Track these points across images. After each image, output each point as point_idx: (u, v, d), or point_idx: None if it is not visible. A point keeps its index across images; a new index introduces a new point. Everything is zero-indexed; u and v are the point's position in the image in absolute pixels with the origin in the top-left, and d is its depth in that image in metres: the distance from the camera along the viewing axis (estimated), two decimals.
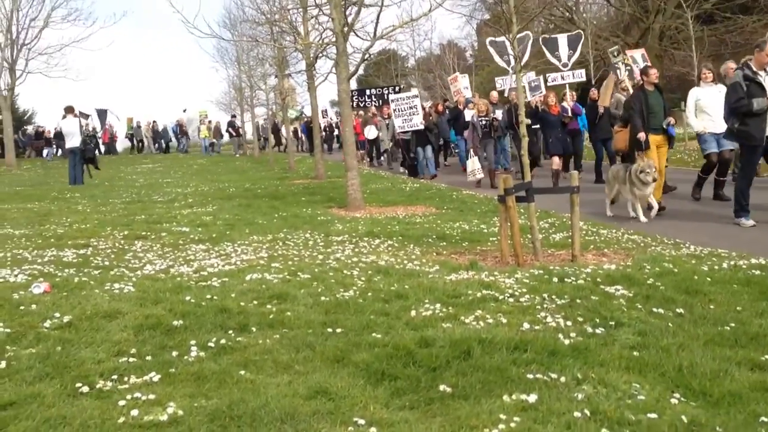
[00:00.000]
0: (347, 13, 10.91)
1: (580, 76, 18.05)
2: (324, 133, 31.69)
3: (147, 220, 10.05)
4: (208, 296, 5.04)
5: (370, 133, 23.14)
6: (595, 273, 5.50)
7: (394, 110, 17.25)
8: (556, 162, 13.47)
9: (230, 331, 4.23)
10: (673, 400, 3.08)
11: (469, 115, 16.46)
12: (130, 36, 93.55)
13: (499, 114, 15.21)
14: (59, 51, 29.91)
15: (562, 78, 17.58)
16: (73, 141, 17.88)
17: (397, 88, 23.32)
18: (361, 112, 24.76)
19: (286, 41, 17.33)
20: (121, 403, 3.15)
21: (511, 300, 4.77)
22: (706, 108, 10.57)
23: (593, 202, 10.33)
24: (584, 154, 16.54)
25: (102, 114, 40.92)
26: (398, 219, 9.69)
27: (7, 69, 29.93)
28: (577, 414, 2.89)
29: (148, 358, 3.76)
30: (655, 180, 8.92)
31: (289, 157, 23.09)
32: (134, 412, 3.03)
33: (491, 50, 16.14)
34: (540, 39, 18.14)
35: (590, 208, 9.94)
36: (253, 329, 4.27)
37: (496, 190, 10.23)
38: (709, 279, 5.22)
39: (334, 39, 11.43)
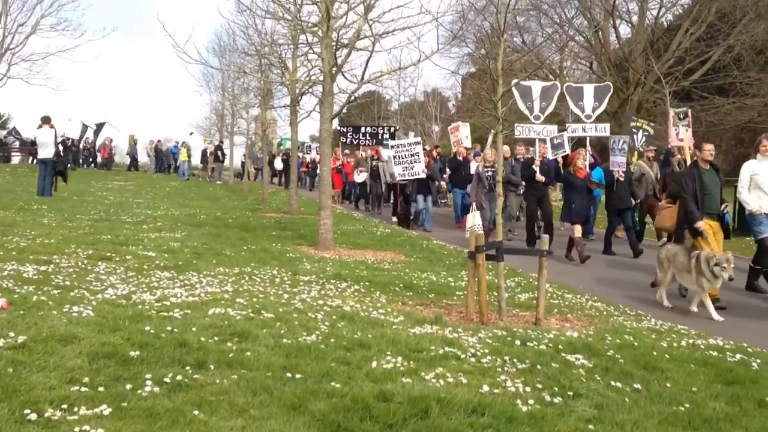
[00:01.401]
0: (337, 54, 11.03)
1: (604, 130, 16.03)
2: (308, 168, 31.67)
3: (113, 240, 9.92)
4: (169, 328, 4.97)
5: (360, 176, 22.49)
6: (557, 339, 5.53)
7: (395, 157, 16.24)
8: (578, 230, 11.97)
9: (188, 367, 4.17)
10: None
11: (474, 167, 15.79)
12: (117, 50, 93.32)
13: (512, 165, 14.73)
14: (44, 59, 29.75)
15: (584, 130, 16.04)
16: (46, 152, 17.68)
17: (392, 129, 22.65)
18: (360, 153, 24.23)
19: (273, 74, 17.44)
20: None
21: (472, 360, 4.77)
22: (763, 185, 9.13)
23: (581, 274, 10.31)
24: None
25: (99, 126, 40.77)
26: (367, 264, 9.68)
27: None
28: None
29: (101, 388, 3.68)
30: (732, 278, 7.70)
31: (263, 189, 23.04)
32: None
33: (515, 93, 14.31)
34: (564, 87, 16.44)
35: (579, 280, 9.73)
36: (212, 367, 4.21)
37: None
38: (667, 356, 5.28)
39: (321, 78, 11.55)
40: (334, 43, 10.98)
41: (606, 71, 31.26)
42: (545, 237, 6.77)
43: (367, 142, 22.00)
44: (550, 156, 14.44)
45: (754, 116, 26.68)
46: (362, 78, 11.27)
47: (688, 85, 27.80)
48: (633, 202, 13.56)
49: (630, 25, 31.12)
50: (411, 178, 16.12)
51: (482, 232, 12.38)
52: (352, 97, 12.54)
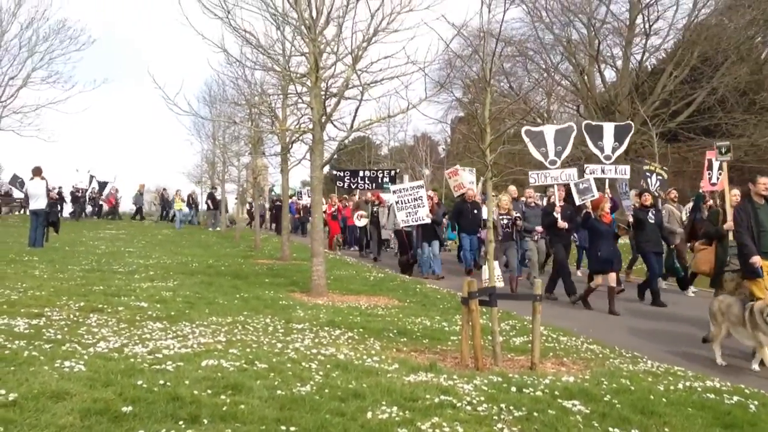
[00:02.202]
0: (326, 103, 11.16)
1: (624, 172, 14.99)
2: (300, 215, 31.63)
3: (105, 291, 9.86)
4: (161, 381, 4.92)
5: (360, 221, 21.38)
6: (553, 384, 5.50)
7: (397, 202, 15.43)
8: (612, 278, 11.21)
9: (181, 422, 4.12)
10: None
11: (485, 212, 14.62)
12: (108, 101, 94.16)
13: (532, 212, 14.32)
14: (34, 111, 29.93)
15: (603, 172, 14.90)
16: (38, 203, 17.67)
17: (392, 173, 21.94)
18: (356, 197, 23.48)
19: (263, 123, 17.59)
20: None
21: (468, 408, 4.73)
22: None
23: (579, 317, 10.23)
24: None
25: (102, 185, 41.26)
26: (360, 309, 9.65)
27: None
28: None
29: None
30: None
31: (255, 236, 23.01)
32: None
33: (526, 140, 13.88)
34: (583, 125, 15.21)
35: (575, 323, 9.59)
36: (205, 421, 4.16)
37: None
38: (664, 399, 5.26)
39: (311, 126, 11.66)
40: (323, 93, 11.12)
41: (593, 114, 31.73)
42: (538, 281, 6.78)
43: (366, 186, 21.37)
44: (577, 202, 13.56)
45: (741, 156, 27.01)
46: (351, 126, 11.39)
47: (674, 126, 28.20)
48: (664, 246, 12.95)
49: (615, 69, 31.70)
50: (415, 224, 15.53)
51: (502, 284, 11.53)
52: (342, 145, 12.62)
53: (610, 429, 4.47)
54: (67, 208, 38.57)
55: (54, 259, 14.45)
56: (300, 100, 13.71)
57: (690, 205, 14.62)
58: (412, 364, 6.04)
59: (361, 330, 7.86)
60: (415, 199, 15.32)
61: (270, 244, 23.78)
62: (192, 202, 37.79)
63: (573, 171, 14.49)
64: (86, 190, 40.16)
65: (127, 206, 44.87)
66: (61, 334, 6.56)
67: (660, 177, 16.84)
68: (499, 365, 6.37)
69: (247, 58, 13.74)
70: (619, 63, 31.01)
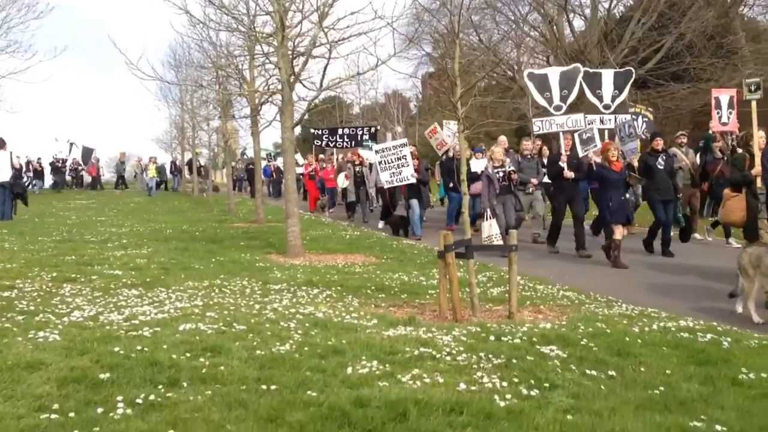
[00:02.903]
0: (294, 63, 10.98)
1: (624, 122, 13.86)
2: (273, 176, 31.21)
3: (77, 261, 9.74)
4: (139, 347, 4.88)
5: (342, 181, 20.39)
6: (531, 332, 5.55)
7: (380, 162, 14.53)
8: (619, 231, 10.41)
9: (160, 386, 4.09)
10: None
11: (477, 165, 14.08)
12: (70, 70, 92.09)
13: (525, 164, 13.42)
14: None
15: (602, 122, 13.92)
16: (2, 175, 17.31)
17: (372, 129, 21.04)
18: (333, 157, 22.78)
19: (231, 86, 17.30)
20: None
21: (448, 358, 4.76)
22: None
23: (555, 266, 10.29)
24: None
25: (87, 151, 40.34)
26: (337, 268, 9.64)
27: None
28: None
29: (72, 414, 3.59)
30: None
31: (228, 199, 22.84)
32: None
33: (529, 84, 12.97)
34: (581, 73, 13.74)
35: (550, 271, 9.70)
36: (185, 384, 4.14)
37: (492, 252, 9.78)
38: (639, 341, 5.34)
39: (280, 87, 11.48)
40: (290, 53, 10.93)
41: (562, 64, 31.59)
42: (513, 231, 6.80)
43: (345, 144, 20.44)
44: (581, 153, 12.53)
45: (709, 99, 27.17)
46: (321, 85, 11.22)
47: (643, 73, 28.21)
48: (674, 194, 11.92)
49: (583, 17, 31.51)
50: (400, 184, 14.77)
51: (502, 242, 10.80)
52: (312, 105, 12.46)
53: (587, 371, 4.53)
54: (48, 180, 37.96)
55: (24, 231, 14.24)
56: (267, 61, 13.48)
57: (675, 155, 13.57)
58: (391, 319, 6.06)
59: (338, 288, 7.85)
60: (399, 158, 14.52)
61: (245, 207, 23.63)
62: (174, 169, 37.12)
63: (579, 116, 13.30)
64: (66, 160, 39.48)
65: (103, 177, 44.24)
66: (34, 305, 6.47)
67: (646, 119, 16.11)
68: (478, 316, 6.41)
69: (210, 19, 13.42)
70: (587, 11, 30.86)
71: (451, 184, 15.61)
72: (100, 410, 3.67)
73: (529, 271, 9.33)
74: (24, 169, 38.64)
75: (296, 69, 11.12)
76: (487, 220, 11.21)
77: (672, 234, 11.81)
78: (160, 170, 38.14)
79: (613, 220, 10.59)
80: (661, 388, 4.21)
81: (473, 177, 14.03)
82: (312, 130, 23.25)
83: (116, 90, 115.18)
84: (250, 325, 5.73)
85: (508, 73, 31.11)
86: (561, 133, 12.86)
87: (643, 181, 11.51)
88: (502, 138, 15.16)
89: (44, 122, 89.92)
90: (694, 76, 26.73)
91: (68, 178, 40.61)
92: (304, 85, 12.23)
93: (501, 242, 10.89)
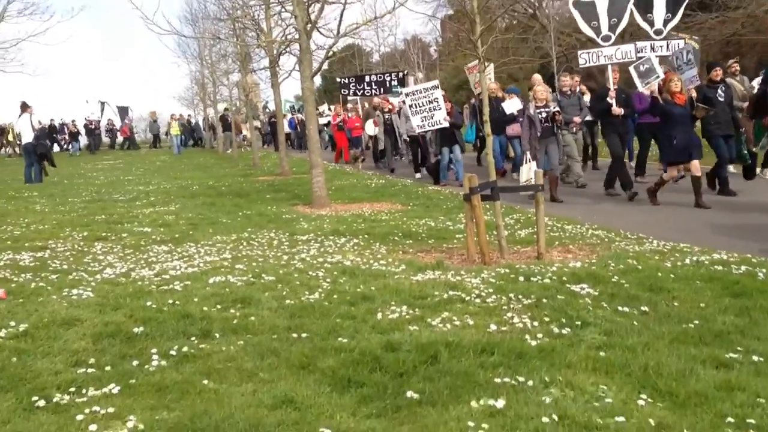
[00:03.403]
0: (310, 10, 10.79)
1: (678, 48, 12.41)
2: (298, 129, 31.04)
3: (107, 220, 9.85)
4: (170, 301, 4.93)
5: (371, 128, 19.48)
6: (560, 271, 5.50)
7: (411, 106, 13.48)
8: (696, 167, 9.48)
9: (193, 338, 4.14)
10: (640, 402, 3.08)
11: (511, 106, 13.52)
12: (90, 30, 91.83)
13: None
14: (15, 46, 29.26)
15: (653, 49, 12.38)
16: (26, 138, 17.46)
17: (400, 74, 19.94)
18: (366, 104, 21.75)
19: (248, 37, 17.12)
20: (79, 417, 3.04)
21: (477, 301, 4.75)
22: None
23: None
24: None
25: (123, 110, 40.45)
26: (364, 216, 9.63)
27: None
28: (545, 419, 2.87)
29: (108, 368, 3.65)
30: None
31: (253, 154, 22.85)
32: (92, 427, 2.94)
33: (575, 13, 11.91)
34: None
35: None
36: (217, 335, 4.18)
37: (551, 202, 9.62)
38: (672, 276, 5.26)
39: (297, 36, 11.32)
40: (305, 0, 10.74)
41: None
42: (539, 171, 6.69)
43: (373, 91, 19.52)
44: (640, 88, 11.55)
45: (738, 29, 26.36)
46: (338, 32, 11.05)
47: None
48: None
49: None
50: (432, 128, 13.86)
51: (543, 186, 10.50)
52: (331, 52, 12.29)
53: (619, 308, 4.48)
54: (84, 142, 38.17)
55: (54, 193, 14.41)
56: (283, 9, 13.28)
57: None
58: (419, 264, 6.04)
59: (365, 236, 7.85)
60: (431, 102, 13.48)
61: (269, 161, 23.64)
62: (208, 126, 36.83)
63: (630, 47, 12.36)
64: (99, 120, 39.69)
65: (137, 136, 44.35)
66: (67, 264, 6.56)
67: (691, 48, 14.11)
68: (506, 258, 6.38)
69: None
70: None
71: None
72: (135, 363, 3.73)
73: (559, 212, 9.21)
74: (59, 131, 39.19)
75: (312, 16, 10.93)
76: (526, 163, 10.42)
77: (734, 170, 11.46)
78: (184, 126, 38.11)
79: (674, 159, 9.75)
80: (696, 322, 4.16)
81: (509, 119, 13.64)
82: (338, 79, 22.47)
83: (135, 48, 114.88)
84: (278, 275, 5.76)
85: (528, 11, 30.39)
86: (609, 66, 11.75)
87: (712, 111, 10.38)
88: (537, 76, 14.23)
89: (67, 84, 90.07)
90: (721, 5, 25.86)
91: (105, 138, 40.85)
92: (321, 33, 12.09)
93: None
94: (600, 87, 11.98)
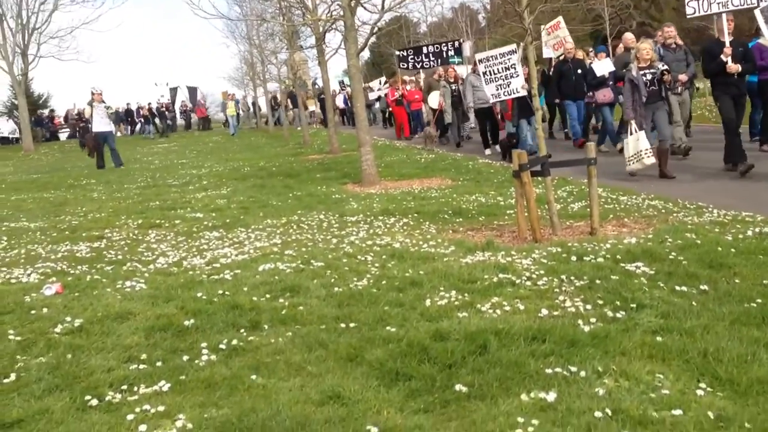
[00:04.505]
0: None
1: None
2: (349, 105, 30.86)
3: (161, 206, 10.01)
4: (220, 291, 4.96)
5: (434, 100, 18.19)
6: (614, 249, 5.34)
7: (484, 73, 11.98)
8: None
9: (242, 330, 4.15)
10: (699, 392, 2.95)
11: (602, 67, 12.66)
12: (139, 15, 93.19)
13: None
14: (70, 34, 30.00)
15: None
16: (100, 126, 17.79)
17: (456, 44, 19.08)
18: (423, 76, 20.79)
19: (294, 16, 17.06)
20: (130, 417, 3.08)
21: (528, 283, 4.64)
22: None
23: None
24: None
25: (192, 91, 41.20)
26: (413, 194, 9.55)
27: (20, 54, 30.08)
28: (597, 414, 2.77)
29: (159, 363, 3.69)
30: None
31: (303, 132, 22.92)
32: (142, 428, 2.97)
33: None
34: None
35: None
36: (265, 327, 4.19)
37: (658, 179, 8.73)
38: (733, 250, 5.04)
39: (341, 13, 11.21)
40: None
41: None
42: (590, 144, 6.47)
43: (432, 63, 18.67)
44: (766, 36, 9.82)
45: None
46: (383, 6, 10.90)
47: None
48: None
49: None
50: (508, 97, 12.34)
51: (653, 159, 9.18)
52: (375, 28, 12.13)
53: (677, 288, 4.31)
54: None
55: (110, 180, 14.74)
56: None
57: None
58: (469, 245, 5.94)
59: (415, 215, 7.78)
60: (507, 69, 11.83)
61: (319, 138, 23.71)
62: (275, 103, 36.78)
63: None
64: (170, 103, 40.43)
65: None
66: (122, 254, 6.68)
67: None
68: (558, 234, 6.23)
69: None
70: None
71: (557, 99, 14.37)
72: (185, 358, 3.75)
73: (671, 191, 8.63)
74: (136, 115, 40.12)
75: None
76: (631, 134, 9.32)
77: None
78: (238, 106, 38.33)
79: None
80: (759, 300, 3.96)
81: (599, 82, 12.92)
82: (396, 53, 21.82)
83: (186, 31, 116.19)
84: (327, 261, 5.74)
85: None
86: (723, 15, 9.61)
87: None
88: (629, 35, 12.92)
89: (122, 69, 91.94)
90: None
91: (180, 121, 41.58)
92: (366, 9, 11.94)
93: (652, 159, 9.17)
94: (709, 41, 10.17)
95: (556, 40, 16.02)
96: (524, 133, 13.03)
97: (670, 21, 14.94)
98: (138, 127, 39.76)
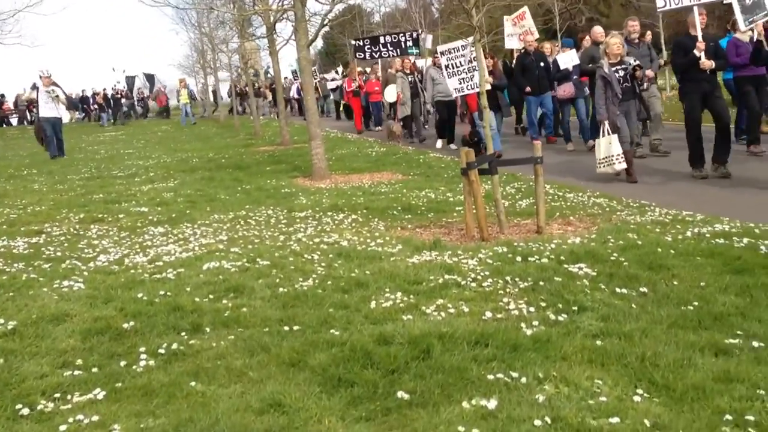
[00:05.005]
0: None
1: None
2: (300, 96, 30.51)
3: (105, 199, 9.77)
4: (162, 292, 4.85)
5: (390, 94, 17.46)
6: (559, 249, 5.40)
7: (446, 66, 11.25)
8: None
9: (183, 333, 4.07)
10: (636, 398, 2.99)
11: (566, 60, 12.32)
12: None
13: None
14: (12, 17, 28.97)
15: None
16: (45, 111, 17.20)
17: (414, 34, 18.45)
18: (387, 68, 19.88)
19: (245, 3, 16.81)
20: (63, 427, 2.98)
21: (473, 285, 4.65)
22: None
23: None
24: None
25: (150, 78, 40.15)
26: (363, 189, 9.51)
27: None
28: (537, 422, 2.79)
29: (95, 369, 3.58)
30: None
31: (254, 122, 22.65)
32: None
33: None
34: None
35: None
36: (207, 330, 4.11)
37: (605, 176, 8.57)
38: (672, 251, 5.15)
39: (291, 4, 11.08)
40: None
41: None
42: (537, 143, 6.53)
43: (389, 53, 18.09)
44: (742, 27, 9.28)
45: None
46: None
47: None
48: None
49: None
50: (471, 91, 11.30)
51: (624, 163, 8.88)
52: (327, 20, 12.03)
53: (618, 290, 4.38)
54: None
55: (53, 170, 14.33)
56: None
57: None
58: (416, 243, 5.94)
59: (364, 211, 7.75)
60: (470, 61, 11.14)
61: (270, 129, 23.46)
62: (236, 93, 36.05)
63: None
64: (128, 90, 39.45)
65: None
66: (61, 251, 6.49)
67: None
68: (505, 233, 6.27)
69: None
70: None
71: (528, 88, 13.39)
72: (123, 363, 3.66)
73: (558, 179, 9.00)
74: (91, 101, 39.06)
75: None
76: (604, 135, 8.95)
77: None
78: (192, 95, 37.66)
79: None
80: (695, 303, 4.05)
81: (561, 76, 12.51)
82: (352, 42, 21.25)
83: (134, 15, 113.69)
84: (273, 259, 5.67)
85: None
86: (695, 8, 9.07)
87: None
88: (598, 28, 12.19)
89: (65, 55, 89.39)
90: None
91: (138, 108, 40.66)
92: (317, 0, 11.82)
93: (623, 165, 8.87)
94: (682, 35, 9.58)
95: (522, 30, 15.27)
96: (493, 127, 11.99)
97: (618, 17, 15.12)
98: (93, 114, 38.87)
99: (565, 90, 12.59)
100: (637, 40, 11.12)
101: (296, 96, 31.80)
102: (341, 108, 28.00)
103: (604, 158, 9.00)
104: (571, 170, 10.21)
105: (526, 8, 15.84)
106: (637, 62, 9.36)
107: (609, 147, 8.91)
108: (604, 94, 9.05)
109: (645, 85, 10.23)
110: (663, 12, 11.04)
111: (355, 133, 20.55)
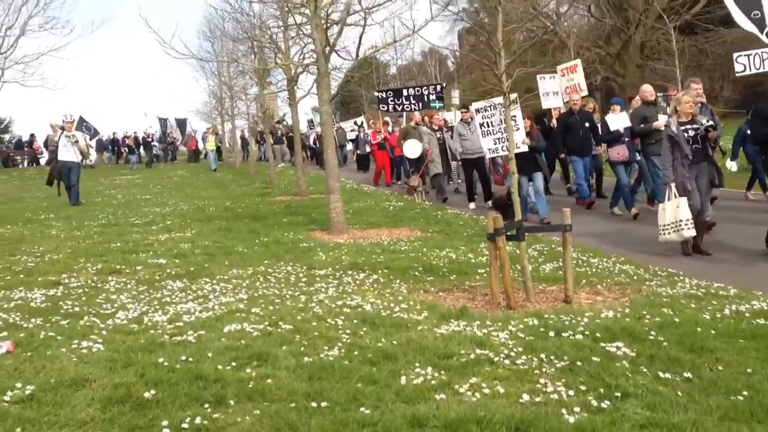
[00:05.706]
0: (329, 33, 10.60)
1: None
2: (317, 146, 30.50)
3: (122, 248, 9.67)
4: (183, 357, 4.68)
5: (412, 150, 16.16)
6: (592, 324, 5.22)
7: (481, 125, 10.96)
8: None
9: (206, 405, 3.90)
10: None
11: (616, 122, 11.85)
12: (108, 45, 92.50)
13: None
14: (36, 60, 29.43)
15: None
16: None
17: (439, 87, 18.10)
18: (401, 121, 19.97)
19: (266, 56, 16.99)
20: None
21: (506, 362, 4.47)
22: None
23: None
24: None
25: (181, 123, 40.79)
26: (383, 246, 9.38)
27: None
28: None
29: None
30: None
31: (270, 170, 22.69)
32: None
33: (730, 5, 9.50)
34: None
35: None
36: (231, 402, 3.93)
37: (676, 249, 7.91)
38: (713, 331, 4.96)
39: (314, 58, 11.14)
40: (323, 22, 10.56)
41: (605, 13, 30.57)
42: (566, 210, 6.40)
43: (412, 107, 17.72)
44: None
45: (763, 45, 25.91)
46: (357, 55, 10.88)
47: (691, 17, 27.08)
48: None
49: None
50: (506, 152, 10.49)
51: (693, 231, 8.09)
52: (350, 76, 12.08)
53: (661, 374, 4.18)
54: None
55: (70, 215, 14.30)
56: (301, 31, 13.10)
57: None
58: (442, 311, 5.78)
59: (385, 271, 7.61)
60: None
61: (286, 177, 23.49)
62: (260, 138, 35.75)
63: None
64: (162, 133, 39.99)
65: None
66: (79, 305, 6.35)
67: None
68: (532, 301, 6.11)
69: None
70: None
71: (562, 155, 13.23)
72: None
73: (578, 240, 8.80)
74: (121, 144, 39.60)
75: (331, 39, 10.75)
76: (670, 199, 8.22)
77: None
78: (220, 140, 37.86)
79: None
80: (745, 393, 3.85)
81: (612, 138, 11.94)
82: (375, 93, 20.92)
83: (155, 62, 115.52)
84: (296, 323, 5.51)
85: (548, 26, 30.11)
86: None
87: None
88: (648, 87, 11.63)
89: (86, 99, 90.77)
90: None
91: (168, 152, 41.10)
92: (339, 56, 11.91)
93: (692, 231, 8.07)
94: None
95: (571, 83, 14.93)
96: (525, 190, 11.61)
97: (634, 77, 15.27)
98: (124, 155, 39.37)
99: (619, 153, 11.90)
100: (700, 104, 10.24)
101: (312, 145, 31.91)
102: (355, 158, 28.23)
103: (669, 224, 8.20)
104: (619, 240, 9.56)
105: (578, 61, 15.51)
106: (710, 122, 8.75)
107: (677, 211, 8.10)
108: (671, 155, 8.40)
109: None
110: (741, 76, 10.57)
111: (371, 184, 20.51)
